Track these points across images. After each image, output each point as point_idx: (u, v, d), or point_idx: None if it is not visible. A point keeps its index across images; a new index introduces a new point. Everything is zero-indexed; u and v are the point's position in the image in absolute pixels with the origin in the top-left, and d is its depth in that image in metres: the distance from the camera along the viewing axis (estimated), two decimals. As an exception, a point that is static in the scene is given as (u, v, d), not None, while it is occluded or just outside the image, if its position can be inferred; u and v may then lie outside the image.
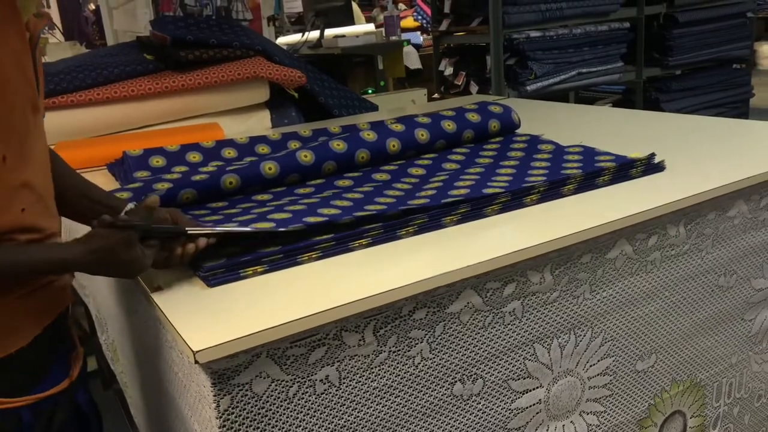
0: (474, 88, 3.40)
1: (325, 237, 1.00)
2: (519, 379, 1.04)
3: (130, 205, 0.98)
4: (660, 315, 1.19)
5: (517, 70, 3.18)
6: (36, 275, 0.87)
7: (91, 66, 1.99)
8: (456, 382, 0.98)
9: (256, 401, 0.82)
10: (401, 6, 7.37)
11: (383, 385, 0.91)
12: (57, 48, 4.90)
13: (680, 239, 1.17)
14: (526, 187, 1.15)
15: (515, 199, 1.13)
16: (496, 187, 1.16)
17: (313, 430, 0.87)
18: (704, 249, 1.21)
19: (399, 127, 1.44)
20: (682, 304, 1.22)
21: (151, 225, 0.90)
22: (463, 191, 1.16)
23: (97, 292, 1.46)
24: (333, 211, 1.07)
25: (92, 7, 7.13)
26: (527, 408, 1.06)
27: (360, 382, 0.89)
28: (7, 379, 0.84)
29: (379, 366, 0.90)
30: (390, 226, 1.03)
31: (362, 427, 0.91)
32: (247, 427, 0.82)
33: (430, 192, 1.19)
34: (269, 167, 1.27)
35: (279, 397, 0.83)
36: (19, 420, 0.86)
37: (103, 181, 1.53)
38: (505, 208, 1.12)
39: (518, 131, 1.63)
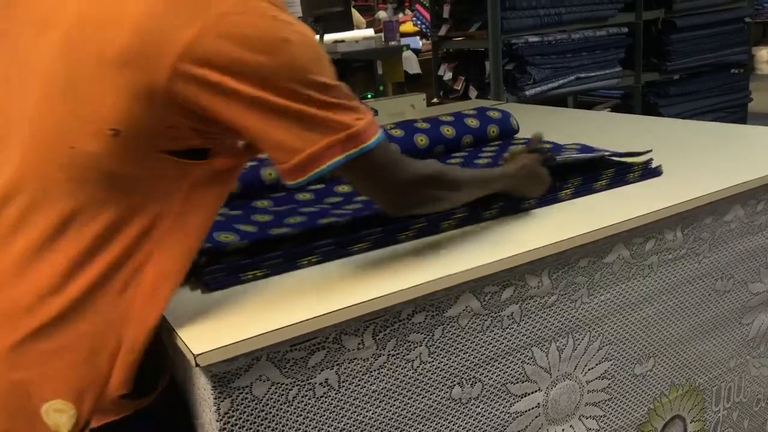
0: (473, 92, 3.41)
1: (324, 241, 1.00)
2: (517, 383, 1.05)
3: None
4: (657, 319, 1.19)
5: (516, 75, 3.19)
6: (490, 190, 1.06)
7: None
8: (455, 385, 0.98)
9: (256, 404, 0.82)
10: (407, 11, 7.38)
11: (382, 389, 0.92)
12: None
13: (677, 243, 1.18)
14: None
15: (513, 203, 1.14)
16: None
17: (312, 433, 0.87)
18: (701, 253, 1.22)
19: (398, 133, 1.45)
20: (680, 308, 1.22)
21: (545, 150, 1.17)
22: None
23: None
24: (332, 219, 1.08)
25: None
26: (526, 412, 1.07)
27: (359, 385, 0.90)
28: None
29: (378, 369, 0.91)
30: (389, 230, 1.04)
31: (361, 431, 0.91)
32: (247, 430, 0.82)
33: None
34: (269, 172, 1.28)
35: (279, 401, 0.84)
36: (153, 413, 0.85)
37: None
38: (503, 212, 1.13)
39: (517, 136, 1.63)
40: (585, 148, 1.39)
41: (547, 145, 1.21)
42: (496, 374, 1.02)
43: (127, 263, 0.78)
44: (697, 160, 1.40)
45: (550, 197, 1.17)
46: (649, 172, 1.28)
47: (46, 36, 0.77)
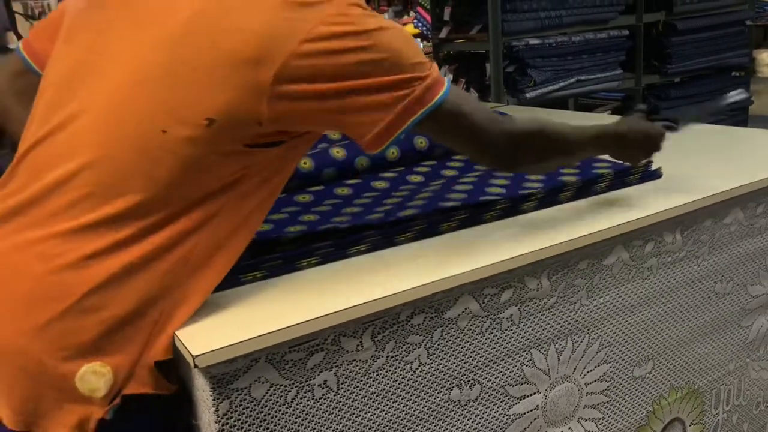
0: (474, 95, 3.41)
1: (324, 243, 1.00)
2: (516, 385, 1.05)
3: None
4: (657, 321, 1.19)
5: (517, 78, 3.19)
6: (600, 149, 1.10)
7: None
8: (453, 387, 0.99)
9: (255, 406, 0.82)
10: (411, 14, 7.35)
11: (381, 390, 0.92)
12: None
13: (676, 246, 1.18)
14: (522, 195, 1.16)
15: (513, 205, 1.14)
16: (493, 194, 1.16)
17: (311, 434, 0.87)
18: (701, 256, 1.22)
19: None
20: (679, 311, 1.22)
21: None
22: (460, 195, 1.17)
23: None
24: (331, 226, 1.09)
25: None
26: (525, 414, 1.07)
27: (358, 387, 0.90)
28: None
29: (377, 371, 0.91)
30: (388, 232, 1.04)
31: (360, 432, 0.91)
32: (245, 431, 0.82)
33: (425, 199, 1.19)
34: None
35: (278, 402, 0.84)
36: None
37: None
38: (503, 214, 1.13)
39: None
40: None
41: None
42: (495, 376, 1.02)
43: (181, 244, 0.81)
44: (696, 162, 1.40)
45: (549, 200, 1.17)
46: (648, 174, 1.28)
47: (145, 32, 0.83)
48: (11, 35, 3.59)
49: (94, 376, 0.77)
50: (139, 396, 0.80)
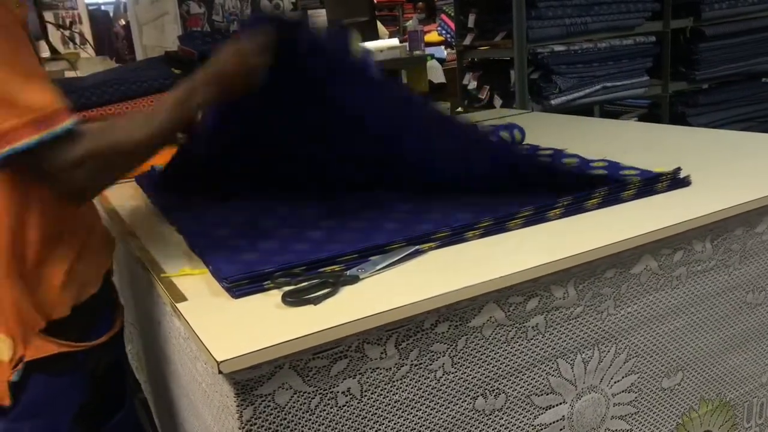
0: (498, 101, 3.40)
1: (347, 250, 1.00)
2: (542, 395, 1.04)
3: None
4: (686, 331, 1.17)
5: (542, 84, 3.17)
6: (180, 115, 0.98)
7: (121, 80, 2.03)
8: (478, 396, 0.98)
9: (278, 412, 0.82)
10: (438, 20, 7.36)
11: (405, 399, 0.91)
12: (88, 62, 5.01)
13: (706, 255, 1.15)
14: (548, 203, 1.14)
15: (539, 213, 1.13)
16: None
17: (334, 442, 0.87)
18: (731, 265, 1.19)
19: None
20: (709, 321, 1.20)
21: None
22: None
23: (124, 303, 1.48)
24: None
25: (122, 22, 7.31)
26: (551, 424, 1.05)
27: (382, 395, 0.89)
28: (76, 326, 1.02)
29: (400, 379, 0.90)
30: (410, 240, 1.04)
31: (384, 441, 0.91)
32: (269, 438, 0.82)
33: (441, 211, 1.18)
34: None
35: (301, 409, 0.84)
36: (75, 361, 1.03)
37: (132, 193, 1.55)
38: (528, 222, 1.12)
39: (542, 145, 1.62)
40: (612, 164, 1.37)
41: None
42: (520, 386, 1.01)
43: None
44: (726, 170, 1.38)
45: (576, 207, 1.16)
46: (677, 182, 1.26)
47: None
48: (43, 44, 3.66)
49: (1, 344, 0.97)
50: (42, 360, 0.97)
